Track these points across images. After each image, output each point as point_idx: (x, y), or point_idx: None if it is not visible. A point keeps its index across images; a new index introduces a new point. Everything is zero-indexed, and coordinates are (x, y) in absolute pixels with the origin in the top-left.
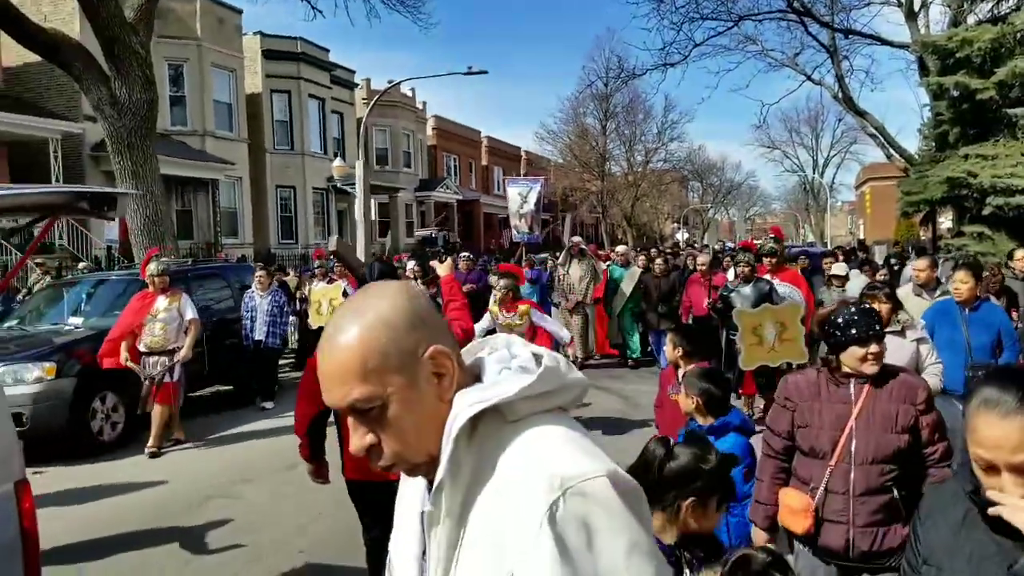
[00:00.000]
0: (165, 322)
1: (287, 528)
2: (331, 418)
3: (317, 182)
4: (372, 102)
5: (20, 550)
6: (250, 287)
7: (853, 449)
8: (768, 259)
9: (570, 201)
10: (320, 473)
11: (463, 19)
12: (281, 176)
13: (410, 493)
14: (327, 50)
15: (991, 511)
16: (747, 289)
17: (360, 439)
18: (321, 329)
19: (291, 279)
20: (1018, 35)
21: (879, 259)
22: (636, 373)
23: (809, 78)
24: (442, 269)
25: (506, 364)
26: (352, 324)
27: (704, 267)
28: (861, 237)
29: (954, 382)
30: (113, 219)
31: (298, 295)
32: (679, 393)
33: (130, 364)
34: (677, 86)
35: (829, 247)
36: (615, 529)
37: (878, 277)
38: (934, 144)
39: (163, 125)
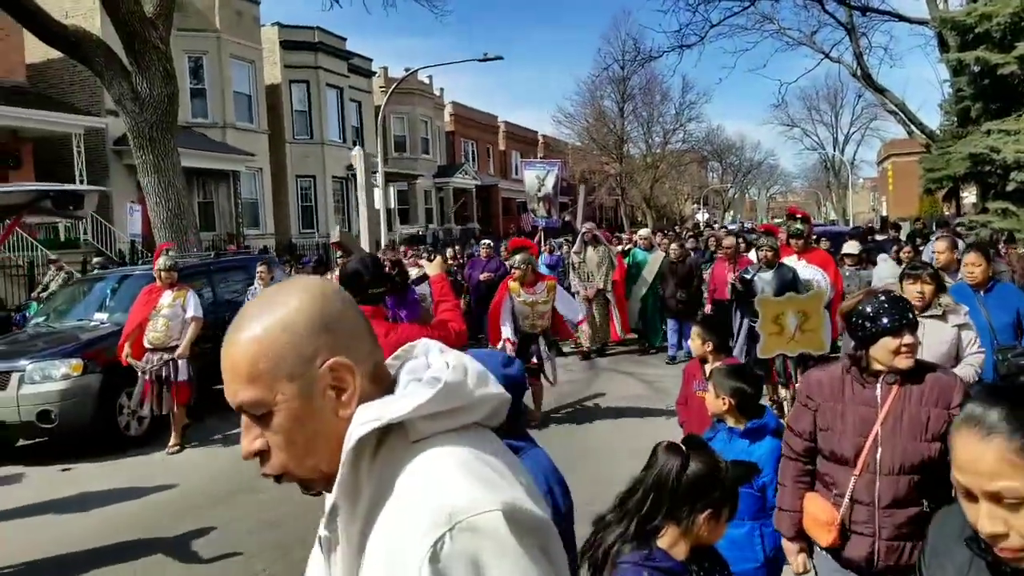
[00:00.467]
0: (168, 318)
1: (312, 522)
2: None
3: (337, 171)
4: (390, 90)
5: None
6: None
7: (878, 457)
8: (795, 240)
9: (589, 183)
10: None
11: (478, 4)
12: (301, 166)
13: None
14: (344, 39)
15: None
16: (768, 274)
17: (249, 443)
18: None
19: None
20: None
21: (903, 236)
22: (658, 358)
23: (827, 56)
24: (432, 268)
25: (417, 375)
26: (251, 322)
27: (730, 250)
28: (884, 214)
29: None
30: (81, 218)
31: None
32: (705, 390)
33: (130, 360)
34: (694, 67)
35: (851, 225)
36: (506, 569)
37: (902, 255)
38: (956, 120)
39: (184, 118)
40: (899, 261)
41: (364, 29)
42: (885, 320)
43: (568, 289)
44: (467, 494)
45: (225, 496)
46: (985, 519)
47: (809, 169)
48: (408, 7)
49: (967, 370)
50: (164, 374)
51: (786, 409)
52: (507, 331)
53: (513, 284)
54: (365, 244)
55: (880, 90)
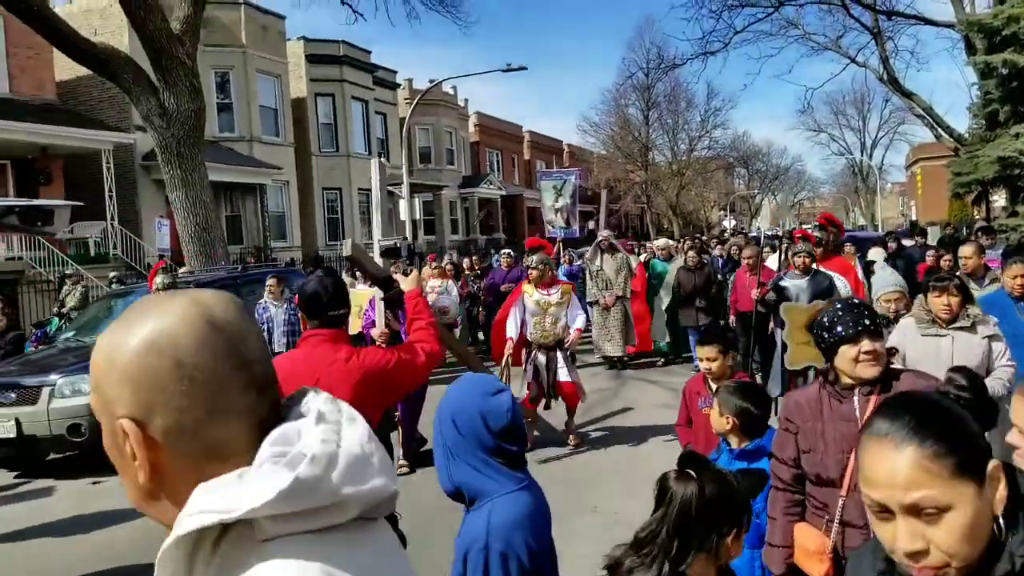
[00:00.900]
0: None
1: None
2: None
3: (362, 183)
4: (415, 102)
5: None
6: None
7: None
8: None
9: (615, 191)
10: None
11: (502, 14)
12: (327, 178)
13: None
14: (369, 52)
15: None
16: (803, 282)
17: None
18: (359, 336)
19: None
20: None
21: (931, 241)
22: (684, 368)
23: (853, 60)
24: (407, 283)
25: (281, 450)
26: (107, 333)
27: (750, 260)
28: (914, 219)
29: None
30: (51, 233)
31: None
32: (710, 407)
33: None
34: (719, 73)
35: (881, 230)
36: None
37: (943, 263)
38: (984, 123)
39: (211, 132)
40: (939, 268)
41: (389, 42)
42: (839, 328)
43: (583, 298)
44: None
45: None
46: (904, 536)
47: (837, 174)
48: (432, 19)
49: (995, 383)
50: None
51: None
52: (511, 330)
53: (527, 285)
54: (379, 256)
55: (907, 94)
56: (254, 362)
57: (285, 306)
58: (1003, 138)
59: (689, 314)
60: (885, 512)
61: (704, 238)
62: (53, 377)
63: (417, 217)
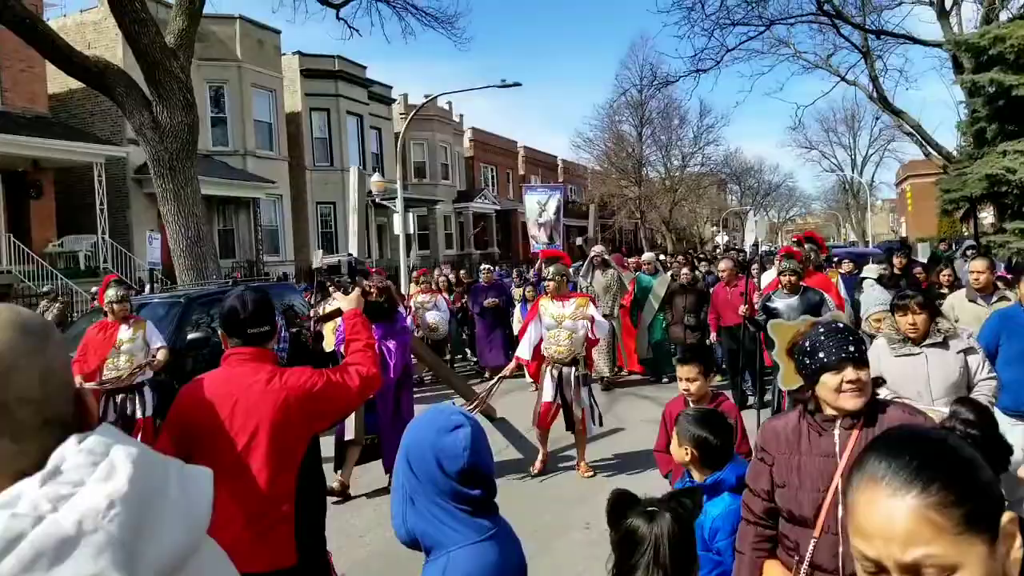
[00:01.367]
0: (130, 353)
1: None
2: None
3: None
4: (409, 117)
5: None
6: (293, 306)
7: (840, 516)
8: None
9: (608, 207)
10: None
11: (497, 31)
12: (321, 192)
13: None
14: (364, 67)
15: None
16: (794, 300)
17: None
18: (332, 354)
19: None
20: None
21: (921, 257)
22: (672, 388)
23: (843, 79)
24: (346, 302)
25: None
26: None
27: (725, 273)
28: (904, 235)
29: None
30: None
31: (312, 313)
32: None
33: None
34: (710, 91)
35: (871, 246)
36: None
37: (943, 278)
38: (972, 141)
39: (205, 146)
40: (939, 285)
41: (384, 57)
42: (821, 354)
43: None
44: None
45: None
46: None
47: (828, 191)
48: (428, 36)
49: (979, 399)
50: (129, 411)
51: None
52: (523, 350)
53: (544, 299)
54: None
55: (896, 112)
56: (11, 404)
57: None
58: (991, 156)
59: (677, 332)
60: (880, 573)
61: (694, 253)
62: None
63: (411, 231)
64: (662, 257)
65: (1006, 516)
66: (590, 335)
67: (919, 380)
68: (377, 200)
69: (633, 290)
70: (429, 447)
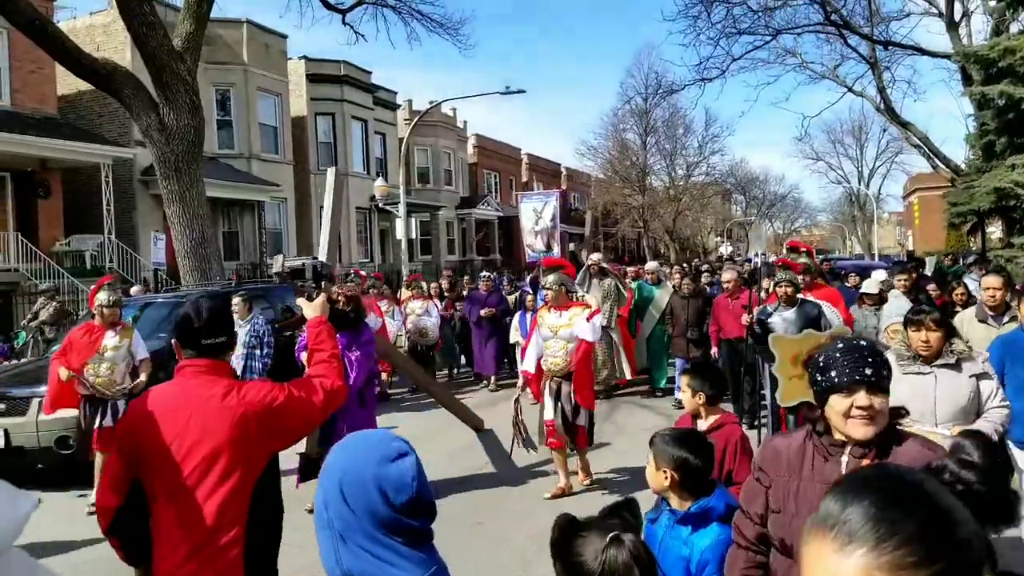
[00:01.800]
0: (113, 361)
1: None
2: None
3: (360, 202)
4: (414, 122)
5: None
6: (291, 309)
7: None
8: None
9: (611, 215)
10: None
11: (503, 37)
12: (325, 196)
13: None
14: (370, 72)
15: None
16: (791, 312)
17: None
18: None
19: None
20: None
21: (927, 271)
22: (664, 401)
23: (850, 90)
24: (310, 309)
25: None
26: None
27: (729, 285)
28: (910, 248)
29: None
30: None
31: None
32: None
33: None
34: (716, 100)
35: (876, 259)
36: None
37: (956, 296)
38: (980, 154)
39: (210, 148)
40: (952, 303)
41: (389, 63)
42: (833, 373)
43: None
44: None
45: None
46: None
47: (834, 202)
48: (433, 41)
49: (986, 426)
50: (98, 422)
51: None
52: (527, 363)
53: (543, 310)
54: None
55: (903, 124)
56: None
57: (248, 326)
58: (999, 169)
59: (680, 344)
60: None
61: (695, 263)
62: (42, 389)
63: (413, 237)
64: (663, 267)
65: None
66: (579, 335)
67: (925, 401)
68: (380, 205)
69: (632, 299)
70: (371, 478)
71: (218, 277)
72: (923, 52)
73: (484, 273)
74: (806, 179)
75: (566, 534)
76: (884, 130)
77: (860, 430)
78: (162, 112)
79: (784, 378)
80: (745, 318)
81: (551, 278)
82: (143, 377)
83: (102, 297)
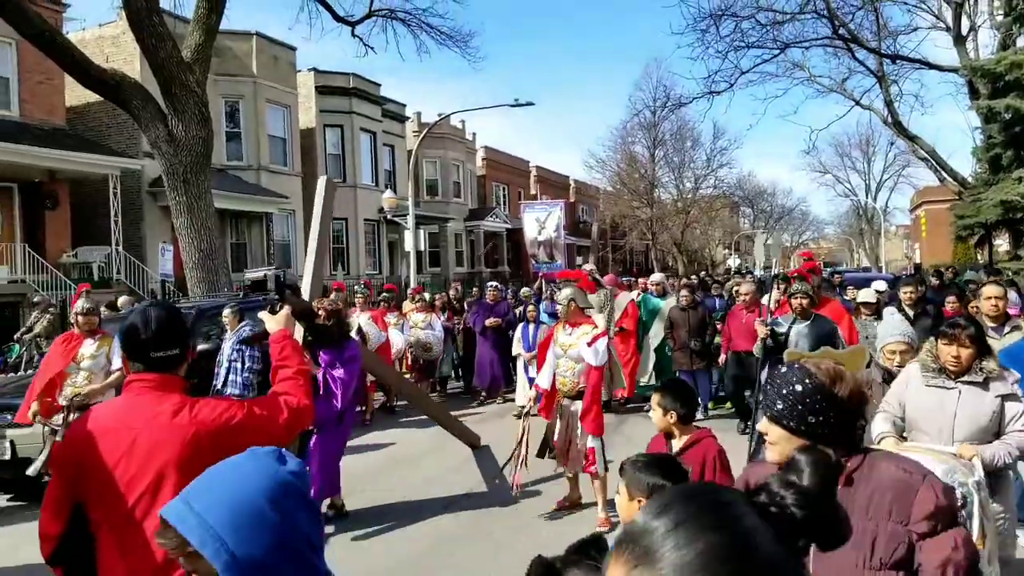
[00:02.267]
0: (90, 370)
1: None
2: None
3: (369, 214)
4: (422, 134)
5: None
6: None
7: None
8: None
9: (619, 227)
10: None
11: (511, 51)
12: (334, 208)
13: None
14: (379, 85)
15: None
16: (803, 327)
17: None
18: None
19: None
20: None
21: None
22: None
23: (858, 103)
24: (273, 322)
25: None
26: None
27: (747, 297)
28: (917, 261)
29: None
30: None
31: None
32: None
33: (40, 420)
34: (724, 113)
35: (884, 272)
36: None
37: (971, 309)
38: (987, 167)
39: (219, 160)
40: (971, 315)
41: (398, 75)
42: (761, 396)
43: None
44: None
45: None
46: None
47: (842, 215)
48: (442, 54)
49: (1001, 448)
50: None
51: None
52: (541, 378)
53: (558, 326)
54: (306, 287)
55: (911, 137)
56: None
57: (234, 338)
58: (1006, 182)
59: (682, 357)
60: None
61: (703, 275)
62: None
63: (422, 249)
64: (670, 280)
65: None
66: (585, 359)
67: (944, 417)
68: (389, 217)
69: (636, 313)
70: (281, 495)
71: (226, 289)
72: (930, 66)
73: (492, 283)
74: (814, 192)
75: None
76: (891, 143)
77: (768, 454)
78: (171, 123)
79: None
80: (763, 331)
81: (563, 293)
82: (110, 381)
83: (79, 305)
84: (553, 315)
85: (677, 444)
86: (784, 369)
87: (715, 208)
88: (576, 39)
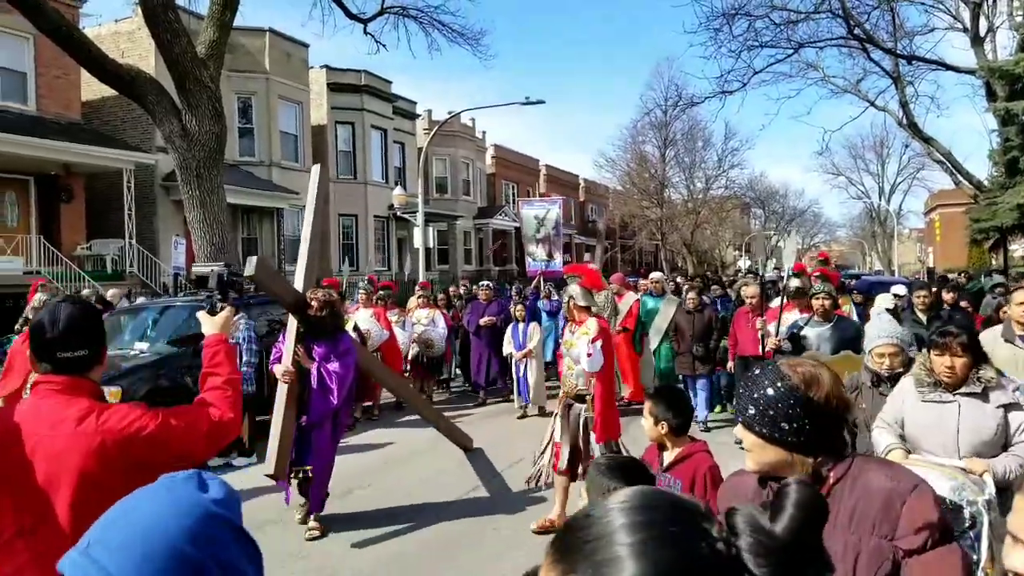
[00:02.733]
0: None
1: None
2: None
3: (378, 210)
4: (433, 132)
5: None
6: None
7: None
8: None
9: (629, 227)
10: None
11: (522, 49)
12: (344, 204)
13: None
14: (390, 82)
15: None
16: (825, 329)
17: None
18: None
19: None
20: None
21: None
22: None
23: (872, 104)
24: (209, 324)
25: None
26: None
27: (753, 300)
28: (931, 265)
29: None
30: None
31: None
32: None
33: None
34: (736, 113)
35: (897, 275)
36: None
37: (1002, 315)
38: (1003, 170)
39: (231, 155)
40: (999, 321)
41: (410, 73)
42: (735, 401)
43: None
44: None
45: None
46: None
47: (854, 218)
48: (453, 52)
49: (1009, 461)
50: None
51: None
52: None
53: (570, 324)
54: (299, 278)
55: (926, 139)
56: None
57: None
58: (1022, 185)
59: (685, 362)
60: None
61: (711, 276)
62: None
63: (431, 246)
64: (679, 280)
65: None
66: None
67: (946, 432)
68: (398, 214)
69: (637, 313)
70: (206, 531)
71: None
72: (947, 67)
73: (484, 282)
74: (826, 194)
75: None
76: (906, 146)
77: (746, 462)
78: (184, 118)
79: None
80: (771, 343)
81: (567, 289)
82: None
83: (37, 298)
84: (551, 313)
85: (668, 457)
86: (758, 371)
87: (726, 209)
88: (589, 37)
